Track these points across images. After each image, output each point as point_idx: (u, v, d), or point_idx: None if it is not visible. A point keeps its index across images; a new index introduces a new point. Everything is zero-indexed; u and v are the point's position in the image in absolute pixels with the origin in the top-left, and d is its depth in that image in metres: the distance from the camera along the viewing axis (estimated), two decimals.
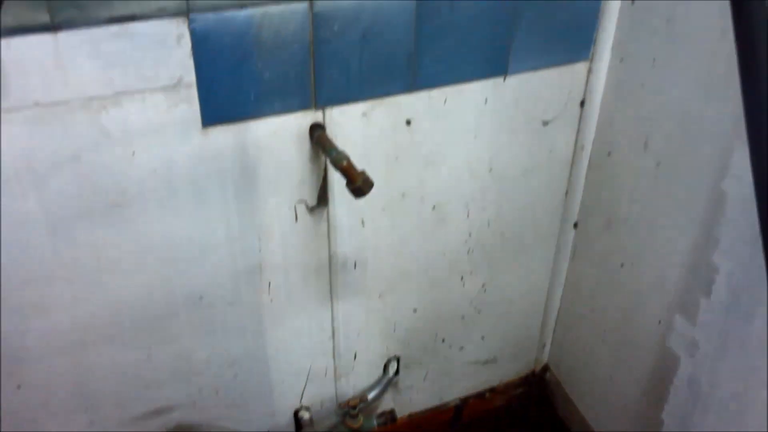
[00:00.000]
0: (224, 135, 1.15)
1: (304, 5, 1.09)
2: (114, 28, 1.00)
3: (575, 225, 1.60)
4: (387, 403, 1.70)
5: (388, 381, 1.65)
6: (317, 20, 1.11)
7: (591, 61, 1.38)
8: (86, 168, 1.09)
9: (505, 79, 1.32)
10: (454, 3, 1.19)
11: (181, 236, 1.22)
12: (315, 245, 1.35)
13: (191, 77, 1.08)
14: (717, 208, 1.19)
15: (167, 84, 1.07)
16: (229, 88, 1.11)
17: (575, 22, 1.32)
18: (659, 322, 1.39)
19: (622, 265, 1.47)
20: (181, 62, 1.06)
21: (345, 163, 1.13)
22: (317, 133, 1.21)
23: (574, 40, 1.35)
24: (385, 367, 1.64)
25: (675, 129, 1.25)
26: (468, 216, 1.48)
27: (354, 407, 1.57)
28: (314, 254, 1.37)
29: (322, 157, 1.24)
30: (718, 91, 1.15)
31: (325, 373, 1.56)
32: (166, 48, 1.04)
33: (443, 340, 1.68)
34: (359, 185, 1.12)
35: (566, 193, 1.56)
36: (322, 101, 1.19)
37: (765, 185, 0.85)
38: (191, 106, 1.10)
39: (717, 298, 1.23)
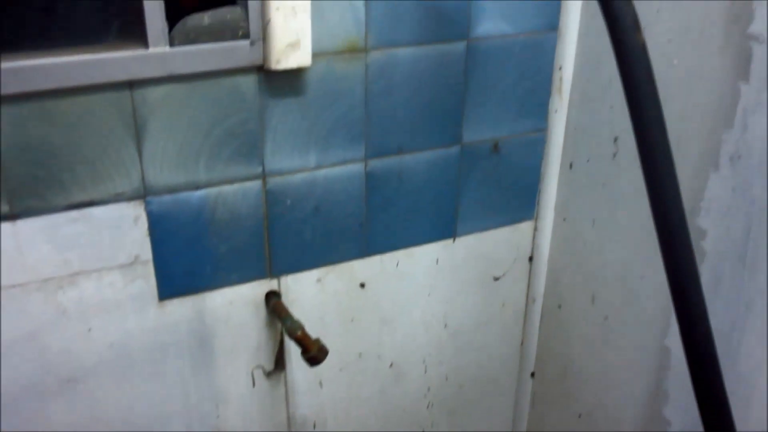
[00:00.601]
0: (181, 307, 1.17)
1: (258, 183, 1.15)
2: (72, 214, 1.03)
3: (532, 374, 1.62)
4: None
5: None
6: (270, 197, 1.16)
7: (536, 220, 1.45)
8: (42, 346, 1.09)
9: (454, 240, 1.38)
10: (402, 174, 1.26)
11: (137, 407, 1.21)
12: (273, 408, 1.35)
13: (148, 255, 1.11)
14: (664, 363, 1.23)
15: (124, 262, 1.10)
16: (186, 263, 1.14)
17: (518, 185, 1.40)
18: None
19: (579, 416, 1.49)
20: (137, 241, 1.09)
21: (300, 333, 1.15)
22: (273, 301, 1.24)
23: (518, 202, 1.42)
24: None
25: (618, 286, 1.30)
26: (426, 371, 1.50)
27: None
28: (273, 417, 1.36)
29: (279, 323, 1.26)
30: (653, 253, 1.20)
31: None
32: (123, 229, 1.08)
33: None
34: (314, 354, 1.15)
35: (521, 343, 1.59)
36: (277, 270, 1.23)
37: (691, 344, 0.89)
38: (148, 281, 1.13)
39: None
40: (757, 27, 0.96)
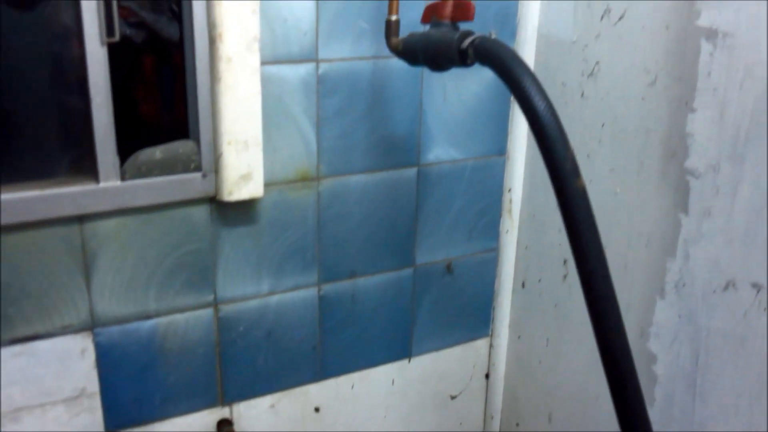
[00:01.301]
0: None
1: (209, 311, 1.14)
2: (16, 348, 1.01)
3: None
4: None
5: None
6: (222, 324, 1.15)
7: (491, 337, 1.45)
8: None
9: (410, 360, 1.37)
10: (356, 296, 1.26)
11: None
12: None
13: (95, 387, 1.08)
14: None
15: (70, 395, 1.07)
16: (134, 393, 1.11)
17: (472, 304, 1.41)
18: None
19: None
20: (84, 374, 1.07)
21: None
22: (225, 430, 1.20)
23: (473, 320, 1.42)
24: None
25: (575, 406, 1.30)
26: None
27: None
28: None
29: None
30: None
31: None
32: (69, 362, 1.05)
33: None
34: None
35: None
36: (229, 398, 1.20)
37: None
38: (94, 414, 1.10)
39: None
40: (692, 162, 1.00)
